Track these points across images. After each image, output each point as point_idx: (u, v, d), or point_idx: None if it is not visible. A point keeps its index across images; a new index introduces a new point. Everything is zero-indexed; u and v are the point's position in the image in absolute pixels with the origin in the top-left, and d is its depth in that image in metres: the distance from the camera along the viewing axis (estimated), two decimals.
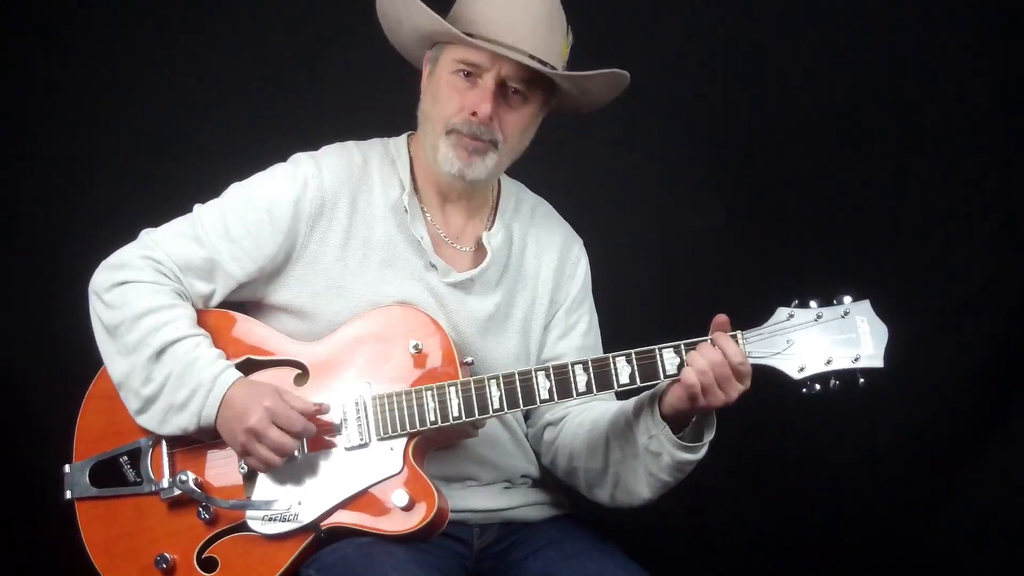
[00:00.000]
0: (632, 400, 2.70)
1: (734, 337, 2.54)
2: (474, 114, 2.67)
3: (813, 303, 2.54)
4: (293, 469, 2.62)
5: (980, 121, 3.96)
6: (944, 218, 3.98)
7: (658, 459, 2.66)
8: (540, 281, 2.88)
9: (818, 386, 2.52)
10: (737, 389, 2.53)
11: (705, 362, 2.51)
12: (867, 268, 3.87)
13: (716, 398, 2.52)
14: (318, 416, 2.62)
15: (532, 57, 2.66)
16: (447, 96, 2.69)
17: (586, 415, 2.82)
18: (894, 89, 3.97)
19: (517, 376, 2.59)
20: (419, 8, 2.67)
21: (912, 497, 3.96)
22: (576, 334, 2.90)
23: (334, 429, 2.64)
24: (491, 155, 2.72)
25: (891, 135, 3.98)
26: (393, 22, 2.78)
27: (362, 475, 2.61)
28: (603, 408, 2.80)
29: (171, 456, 2.71)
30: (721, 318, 2.56)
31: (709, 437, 2.64)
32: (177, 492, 2.67)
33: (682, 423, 2.62)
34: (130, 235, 2.78)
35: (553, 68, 2.68)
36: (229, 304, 2.78)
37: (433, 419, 2.60)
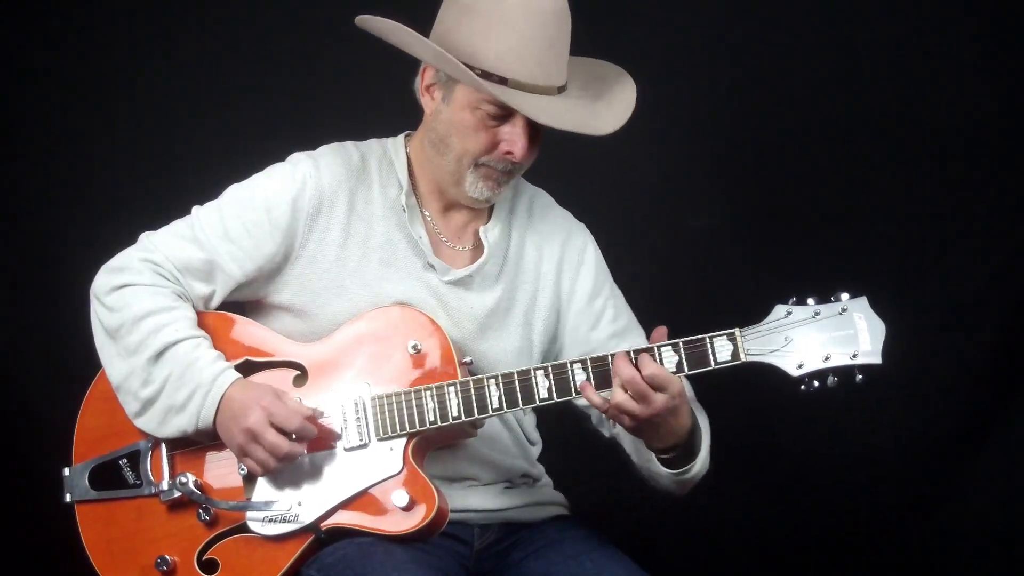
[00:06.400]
0: None
1: (676, 345, 2.53)
2: (509, 152, 2.65)
3: (811, 300, 2.53)
4: (293, 470, 2.62)
5: (980, 121, 3.96)
6: (944, 218, 3.98)
7: (663, 479, 2.69)
8: (541, 274, 2.86)
9: (816, 383, 2.50)
10: (659, 400, 2.50)
11: (620, 391, 2.51)
12: (867, 268, 3.88)
13: (640, 418, 2.51)
14: (317, 420, 2.62)
15: (561, 89, 2.65)
16: (475, 133, 2.65)
17: None
18: (894, 89, 3.97)
19: (516, 376, 2.59)
20: (454, 65, 2.58)
21: (911, 496, 3.97)
22: (605, 322, 2.87)
23: (333, 430, 2.64)
24: (514, 178, 2.75)
25: (891, 135, 3.98)
26: (391, 39, 2.71)
27: (362, 475, 2.61)
28: None
29: (170, 458, 2.71)
30: (660, 331, 2.56)
31: (701, 453, 2.65)
32: (177, 494, 2.67)
33: (670, 446, 2.63)
34: (130, 237, 2.79)
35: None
36: (229, 305, 2.78)
37: (432, 419, 2.60)
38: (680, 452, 2.64)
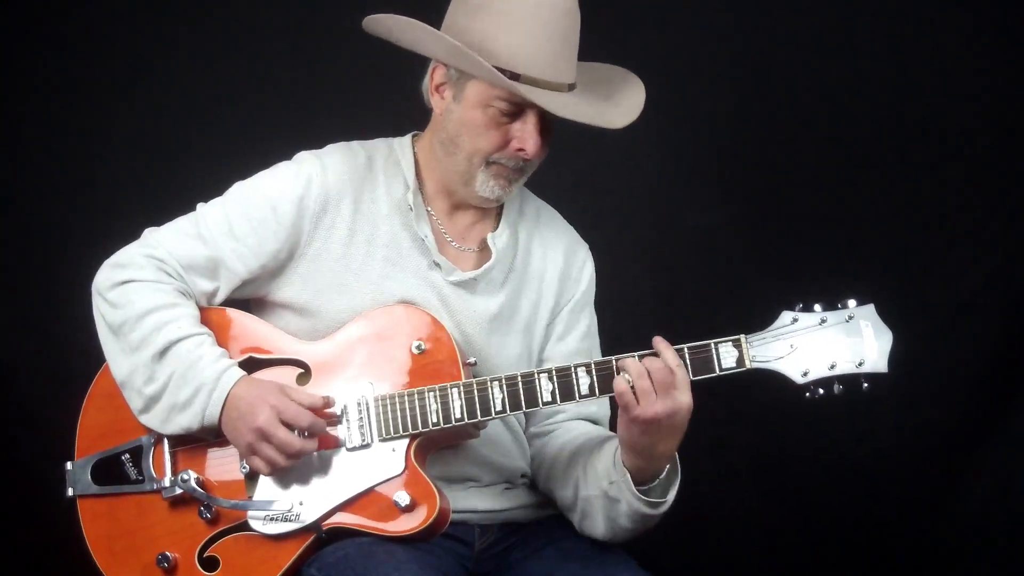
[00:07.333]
0: (604, 441, 2.70)
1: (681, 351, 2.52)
2: (520, 149, 2.65)
3: (817, 307, 2.52)
4: (294, 469, 2.62)
5: (980, 121, 3.96)
6: (944, 218, 3.98)
7: (616, 505, 2.63)
8: (545, 282, 2.86)
9: (821, 390, 2.50)
10: (674, 399, 2.48)
11: (641, 367, 2.48)
12: (868, 268, 3.88)
13: (649, 407, 2.47)
14: (325, 410, 2.61)
15: (571, 87, 2.65)
16: (486, 131, 2.64)
17: (566, 442, 2.80)
18: (895, 90, 3.97)
19: (520, 378, 2.59)
20: (471, 59, 2.57)
21: (913, 497, 3.97)
22: (573, 337, 2.89)
23: (337, 429, 2.64)
24: (524, 177, 2.74)
25: (891, 136, 3.98)
26: (401, 38, 2.69)
27: (364, 476, 2.61)
28: (582, 440, 2.77)
29: (173, 455, 2.71)
30: (656, 339, 2.54)
31: (672, 494, 2.62)
32: (179, 491, 2.68)
33: (647, 476, 2.59)
34: (134, 234, 2.79)
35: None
36: (233, 302, 2.78)
37: (435, 420, 2.60)
38: (651, 482, 2.60)
